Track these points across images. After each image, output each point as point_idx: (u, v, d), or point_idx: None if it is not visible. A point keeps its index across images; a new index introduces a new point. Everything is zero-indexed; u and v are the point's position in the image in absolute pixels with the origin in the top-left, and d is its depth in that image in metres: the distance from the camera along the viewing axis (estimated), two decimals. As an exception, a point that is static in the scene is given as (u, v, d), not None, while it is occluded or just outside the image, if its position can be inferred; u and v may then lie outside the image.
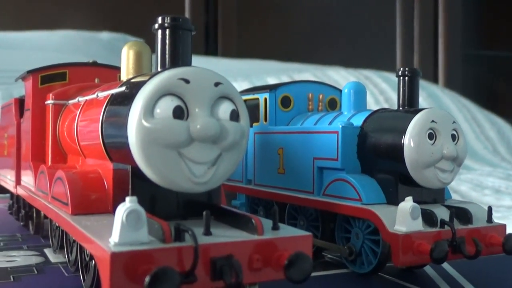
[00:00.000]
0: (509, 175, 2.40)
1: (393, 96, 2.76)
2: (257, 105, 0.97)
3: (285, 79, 2.68)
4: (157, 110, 0.55)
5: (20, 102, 1.01)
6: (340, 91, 0.96)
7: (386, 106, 2.70)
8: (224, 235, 0.54)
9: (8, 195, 1.28)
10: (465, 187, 2.08)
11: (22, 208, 1.06)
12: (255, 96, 0.98)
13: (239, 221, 0.58)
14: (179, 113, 0.55)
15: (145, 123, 0.54)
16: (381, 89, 2.93)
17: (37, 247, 0.94)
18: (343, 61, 3.23)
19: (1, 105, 1.31)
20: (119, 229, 0.49)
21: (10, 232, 1.08)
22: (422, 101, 2.67)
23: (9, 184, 1.08)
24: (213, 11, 3.36)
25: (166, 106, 0.55)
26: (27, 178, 0.91)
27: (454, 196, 1.68)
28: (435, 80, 3.72)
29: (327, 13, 3.50)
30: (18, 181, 0.99)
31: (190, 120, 0.55)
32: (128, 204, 0.49)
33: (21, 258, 0.86)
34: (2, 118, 1.22)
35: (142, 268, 0.47)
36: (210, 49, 3.46)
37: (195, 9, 3.18)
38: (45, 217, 0.98)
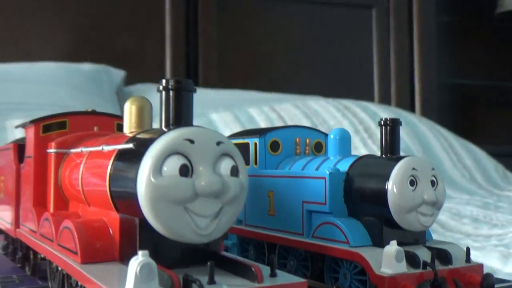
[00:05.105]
0: (487, 203, 2.47)
1: (372, 125, 2.80)
2: (247, 149, 1.02)
3: (266, 109, 2.74)
4: (165, 168, 0.60)
5: (19, 148, 1.05)
6: (326, 135, 1.02)
7: (365, 135, 2.75)
8: (228, 284, 0.58)
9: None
10: (444, 217, 2.14)
11: (19, 250, 1.09)
12: (246, 140, 1.03)
13: (240, 269, 0.62)
14: (185, 171, 0.60)
15: (154, 180, 0.59)
16: (360, 119, 2.99)
17: (35, 288, 0.97)
18: (323, 91, 3.30)
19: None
20: (132, 282, 0.53)
21: (6, 274, 1.10)
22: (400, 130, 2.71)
23: (6, 226, 1.11)
24: (193, 42, 3.41)
25: (173, 164, 0.60)
26: (28, 222, 0.95)
27: (435, 226, 1.72)
28: (412, 109, 3.81)
29: (307, 44, 3.58)
30: (17, 225, 1.03)
31: (195, 177, 0.60)
32: (141, 258, 0.53)
33: (21, 299, 0.89)
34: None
35: (155, 317, 0.51)
36: (191, 80, 3.49)
37: (176, 40, 3.22)
38: (42, 258, 1.01)
